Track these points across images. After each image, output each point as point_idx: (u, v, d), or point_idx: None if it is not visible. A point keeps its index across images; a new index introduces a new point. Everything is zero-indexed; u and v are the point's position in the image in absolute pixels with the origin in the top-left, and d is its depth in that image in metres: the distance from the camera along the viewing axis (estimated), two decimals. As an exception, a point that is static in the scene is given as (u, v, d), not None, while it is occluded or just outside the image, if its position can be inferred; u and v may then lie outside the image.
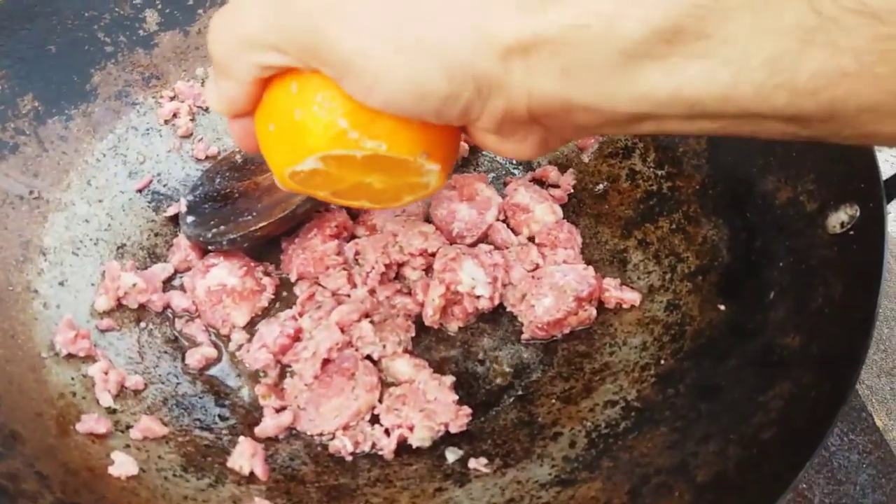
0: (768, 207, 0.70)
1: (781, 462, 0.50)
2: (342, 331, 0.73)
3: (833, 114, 0.37)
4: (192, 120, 0.91)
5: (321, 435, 0.70)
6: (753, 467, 0.52)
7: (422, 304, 0.78)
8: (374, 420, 0.71)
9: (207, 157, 0.91)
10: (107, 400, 0.69)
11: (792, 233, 0.67)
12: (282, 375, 0.75)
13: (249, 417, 0.72)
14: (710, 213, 0.76)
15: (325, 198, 0.58)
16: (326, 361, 0.72)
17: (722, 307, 0.69)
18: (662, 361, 0.69)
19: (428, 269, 0.80)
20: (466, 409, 0.69)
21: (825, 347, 0.56)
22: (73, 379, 0.70)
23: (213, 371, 0.75)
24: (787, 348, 0.59)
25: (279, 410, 0.71)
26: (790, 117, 0.39)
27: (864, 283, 0.56)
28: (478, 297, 0.76)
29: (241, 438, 0.67)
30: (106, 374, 0.70)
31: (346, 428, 0.70)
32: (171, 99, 0.91)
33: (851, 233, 0.61)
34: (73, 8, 0.85)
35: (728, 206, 0.75)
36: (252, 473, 0.66)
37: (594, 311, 0.76)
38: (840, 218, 0.62)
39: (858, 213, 0.61)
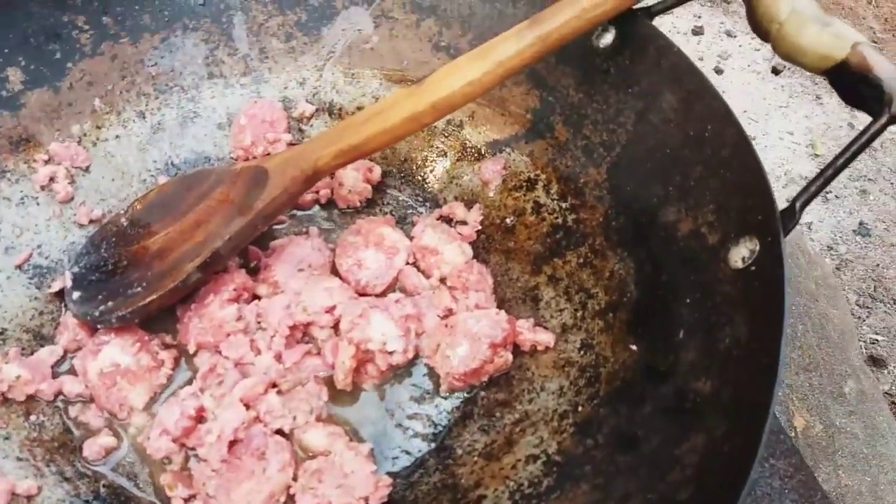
0: (671, 239, 0.70)
1: (699, 527, 0.49)
2: (247, 407, 0.69)
3: None
4: (72, 183, 0.85)
5: (235, 522, 0.66)
6: (673, 533, 0.51)
7: (332, 366, 0.74)
8: (290, 499, 0.67)
9: (91, 222, 0.85)
10: (-6, 513, 0.64)
11: (696, 266, 0.66)
12: (189, 457, 0.70)
13: (157, 511, 0.67)
14: (616, 246, 0.75)
15: None
16: (233, 442, 0.68)
17: (633, 347, 0.68)
18: (580, 408, 0.68)
19: (336, 326, 0.76)
20: (386, 480, 0.67)
21: (735, 394, 0.56)
22: (-47, 495, 0.64)
23: (113, 461, 0.70)
24: (700, 394, 0.59)
25: (188, 500, 0.67)
26: None
27: (767, 325, 0.56)
28: (391, 353, 0.74)
29: (146, 540, 0.63)
30: (-8, 484, 0.65)
31: (260, 512, 0.66)
32: (46, 162, 0.84)
33: (753, 268, 0.60)
34: (-78, 74, 0.78)
35: (632, 239, 0.74)
36: (161, 577, 0.61)
37: (510, 356, 0.74)
38: (741, 253, 0.62)
39: (759, 248, 0.61)
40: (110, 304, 0.74)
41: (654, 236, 0.71)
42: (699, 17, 1.91)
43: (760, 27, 0.66)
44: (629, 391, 0.65)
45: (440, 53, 0.91)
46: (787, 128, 1.68)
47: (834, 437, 1.03)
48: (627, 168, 0.76)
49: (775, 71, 1.81)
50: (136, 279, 0.76)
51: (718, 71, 1.80)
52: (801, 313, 1.09)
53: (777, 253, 0.58)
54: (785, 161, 1.62)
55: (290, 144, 0.91)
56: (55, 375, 0.74)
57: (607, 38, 0.79)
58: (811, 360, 1.06)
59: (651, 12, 0.76)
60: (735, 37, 1.87)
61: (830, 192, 1.60)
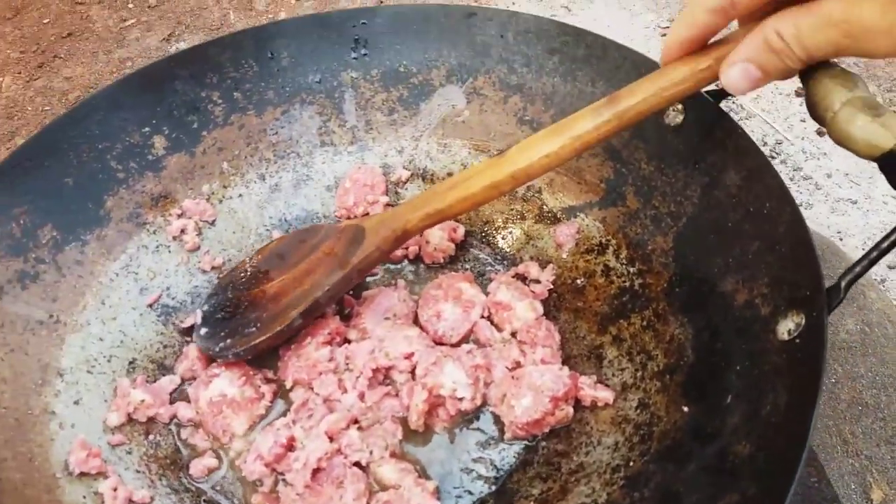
0: (728, 308, 0.73)
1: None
2: (331, 439, 0.78)
3: None
4: (199, 234, 0.98)
5: (313, 543, 0.74)
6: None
7: (408, 407, 0.82)
8: (362, 527, 0.75)
9: (213, 268, 0.97)
10: (115, 517, 0.75)
11: (749, 336, 0.69)
12: (278, 481, 0.79)
13: (247, 527, 0.77)
14: (678, 312, 0.79)
15: None
16: (317, 470, 0.76)
17: (685, 408, 0.72)
18: (631, 463, 0.72)
19: (413, 372, 0.84)
20: (447, 516, 0.73)
21: (768, 458, 0.59)
22: (84, 497, 0.75)
23: (214, 479, 0.80)
24: (738, 456, 0.62)
25: (274, 520, 0.75)
26: None
27: (804, 395, 0.59)
28: (460, 399, 0.80)
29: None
30: (115, 490, 0.76)
31: (335, 536, 0.74)
32: (179, 216, 0.98)
33: (797, 341, 0.63)
34: (89, 141, 0.93)
35: (693, 305, 0.78)
36: (246, 584, 0.70)
37: (571, 410, 0.79)
38: (788, 326, 0.65)
39: (804, 322, 0.64)
40: (229, 341, 0.86)
41: (712, 305, 0.75)
42: (804, 81, 1.89)
43: (816, 113, 0.70)
44: (677, 450, 0.69)
45: (524, 126, 0.99)
46: (893, 192, 1.63)
47: (918, 515, 0.99)
48: (692, 238, 0.81)
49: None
50: (253, 319, 0.87)
51: (821, 133, 1.78)
52: (886, 384, 1.06)
53: (820, 327, 0.61)
54: (887, 226, 1.57)
55: (388, 205, 1.01)
56: (172, 401, 0.86)
57: (678, 117, 0.84)
58: (894, 432, 1.03)
59: (720, 93, 0.81)
60: (841, 101, 1.84)
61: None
